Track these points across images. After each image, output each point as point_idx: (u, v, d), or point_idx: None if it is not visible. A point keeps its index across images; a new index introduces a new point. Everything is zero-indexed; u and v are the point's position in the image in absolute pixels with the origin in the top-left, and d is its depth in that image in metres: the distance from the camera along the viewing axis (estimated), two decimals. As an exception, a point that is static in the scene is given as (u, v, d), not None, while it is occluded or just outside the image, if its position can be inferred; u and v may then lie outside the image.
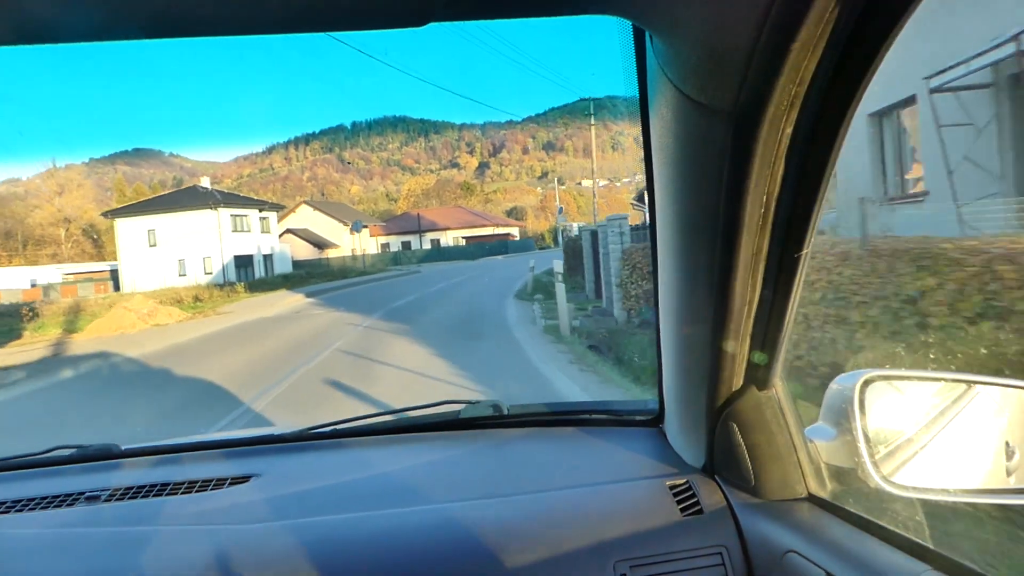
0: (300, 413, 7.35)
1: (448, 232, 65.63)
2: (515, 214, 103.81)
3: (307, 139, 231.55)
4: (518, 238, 72.55)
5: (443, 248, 60.83)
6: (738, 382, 1.18)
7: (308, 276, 38.35)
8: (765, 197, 0.92)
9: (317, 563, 1.22)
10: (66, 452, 1.78)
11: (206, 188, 44.35)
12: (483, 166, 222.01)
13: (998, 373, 2.86)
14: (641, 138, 1.19)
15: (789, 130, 0.84)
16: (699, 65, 0.84)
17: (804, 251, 0.97)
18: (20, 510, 1.52)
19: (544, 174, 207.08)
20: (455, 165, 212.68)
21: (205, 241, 39.42)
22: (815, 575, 1.03)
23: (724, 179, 0.92)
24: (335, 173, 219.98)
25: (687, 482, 1.36)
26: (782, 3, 0.72)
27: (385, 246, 64.97)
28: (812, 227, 0.95)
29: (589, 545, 1.24)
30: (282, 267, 43.92)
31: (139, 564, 1.25)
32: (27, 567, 1.27)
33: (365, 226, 58.03)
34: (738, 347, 1.13)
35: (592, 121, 29.35)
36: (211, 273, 38.58)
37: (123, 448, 1.81)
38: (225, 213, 40.53)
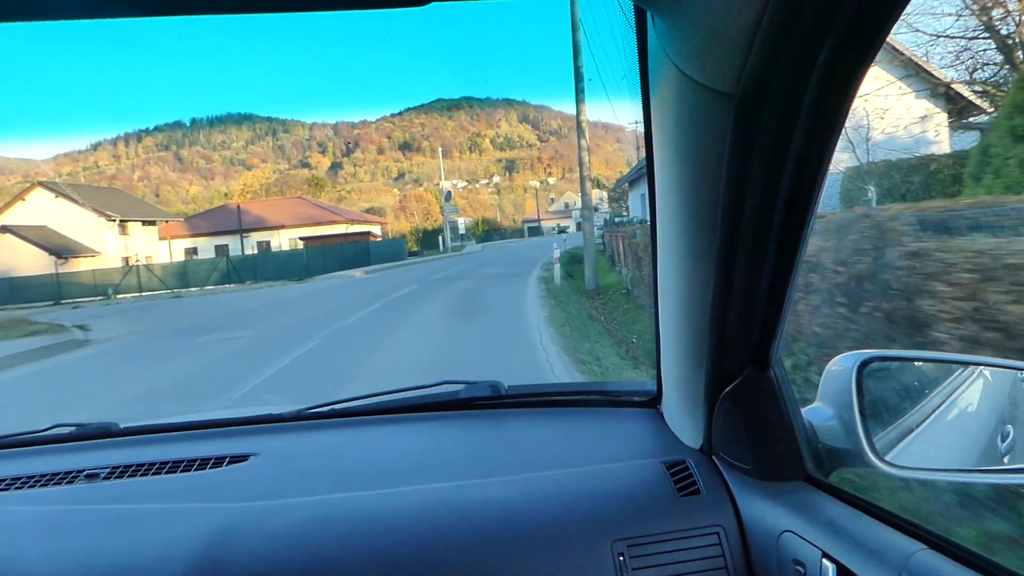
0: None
1: (283, 231, 43.55)
2: (373, 214, 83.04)
3: (139, 136, 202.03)
4: (381, 238, 50.33)
5: (269, 255, 38.71)
6: (736, 363, 1.16)
7: None
8: (766, 178, 0.90)
9: (315, 541, 1.19)
10: (65, 430, 1.74)
11: None
12: (336, 166, 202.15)
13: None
14: (642, 119, 1.15)
15: (791, 111, 0.82)
16: (701, 46, 0.83)
17: (804, 232, 0.95)
18: (20, 487, 1.49)
19: (401, 175, 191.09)
20: (306, 165, 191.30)
21: None
22: (811, 555, 1.01)
23: (725, 160, 0.90)
24: (171, 172, 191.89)
25: (685, 463, 1.33)
26: None
27: (191, 251, 41.97)
28: (812, 208, 0.93)
29: (587, 525, 1.21)
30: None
31: (138, 541, 1.22)
32: (27, 544, 1.24)
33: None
34: (737, 328, 1.10)
35: (578, 110, 16.34)
36: None
37: (122, 426, 1.77)
38: None
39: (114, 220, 37.81)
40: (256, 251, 41.49)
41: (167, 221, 45.81)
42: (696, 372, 1.23)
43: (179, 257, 41.06)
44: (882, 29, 0.73)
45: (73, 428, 1.73)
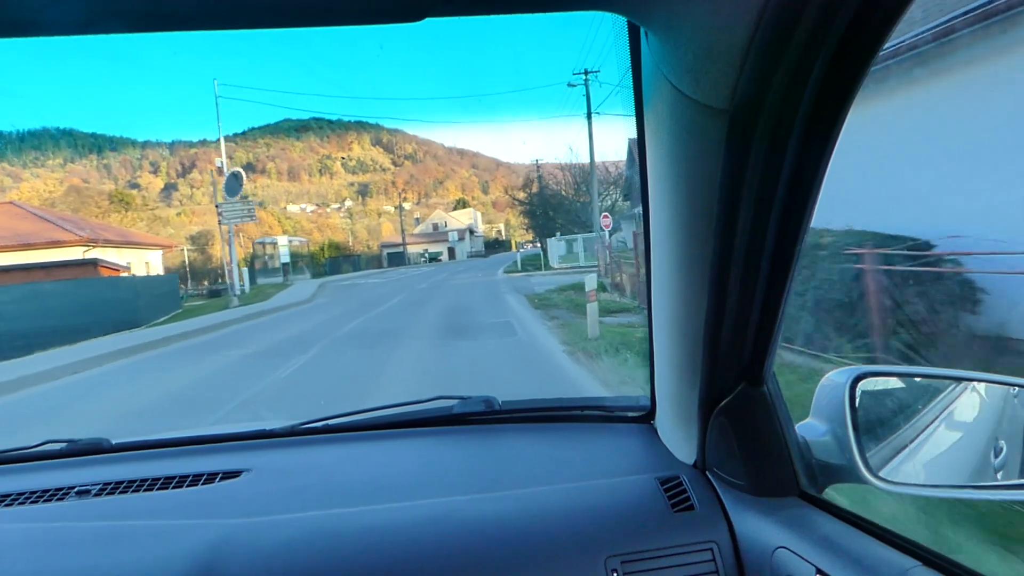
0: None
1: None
2: (201, 239, 67.37)
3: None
4: (138, 273, 28.34)
5: None
6: (730, 379, 1.14)
7: None
8: (759, 193, 0.89)
9: (309, 558, 1.16)
10: (56, 446, 1.68)
11: None
12: (170, 188, 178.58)
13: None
14: (635, 134, 1.15)
15: (784, 127, 0.81)
16: (694, 62, 0.82)
17: (797, 247, 0.94)
18: (10, 504, 1.44)
19: (243, 198, 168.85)
20: (135, 186, 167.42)
21: None
22: (805, 571, 0.98)
23: (719, 175, 0.89)
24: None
25: (678, 478, 1.30)
26: (777, 0, 0.70)
27: None
28: (806, 224, 0.91)
29: (580, 541, 1.18)
30: None
31: (130, 558, 1.18)
32: (17, 561, 1.19)
33: None
34: (730, 343, 1.08)
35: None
36: None
37: (113, 443, 1.70)
38: None
39: None
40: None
41: None
42: (690, 387, 1.21)
43: None
44: (874, 47, 0.72)
45: (64, 444, 1.68)
